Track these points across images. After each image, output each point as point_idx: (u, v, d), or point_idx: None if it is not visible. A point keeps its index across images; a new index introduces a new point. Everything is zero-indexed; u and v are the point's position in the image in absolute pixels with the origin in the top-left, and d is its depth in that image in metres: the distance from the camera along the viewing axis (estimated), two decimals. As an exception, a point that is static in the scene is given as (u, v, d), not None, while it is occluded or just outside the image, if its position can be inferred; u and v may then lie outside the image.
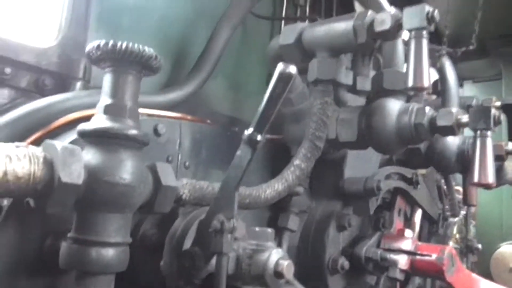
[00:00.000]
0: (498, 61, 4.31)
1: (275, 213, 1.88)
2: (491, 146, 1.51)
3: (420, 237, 2.51)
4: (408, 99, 1.84)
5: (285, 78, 1.03)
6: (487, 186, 1.47)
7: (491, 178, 1.47)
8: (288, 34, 1.73)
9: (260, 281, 1.18)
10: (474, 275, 1.98)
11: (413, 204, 2.17)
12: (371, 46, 1.56)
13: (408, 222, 2.50)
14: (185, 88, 1.79)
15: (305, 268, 1.91)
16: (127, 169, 1.10)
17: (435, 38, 2.35)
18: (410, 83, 1.41)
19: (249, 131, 1.09)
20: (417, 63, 1.39)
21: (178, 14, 2.07)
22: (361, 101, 2.00)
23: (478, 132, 1.52)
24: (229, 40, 1.98)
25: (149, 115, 1.53)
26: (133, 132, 1.13)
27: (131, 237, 1.35)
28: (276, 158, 1.84)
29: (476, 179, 1.48)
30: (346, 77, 2.04)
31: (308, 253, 1.91)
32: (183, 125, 1.59)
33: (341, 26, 1.60)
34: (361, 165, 2.07)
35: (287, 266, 1.17)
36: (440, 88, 2.38)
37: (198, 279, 1.18)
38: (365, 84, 2.08)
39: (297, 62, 1.78)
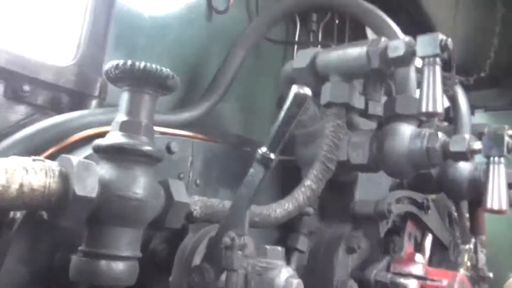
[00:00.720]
0: (510, 91, 4.31)
1: (283, 233, 1.87)
2: (505, 173, 1.51)
3: (430, 263, 2.48)
4: (420, 125, 1.86)
5: (299, 99, 1.05)
6: (500, 213, 1.46)
7: (504, 204, 1.46)
8: (302, 57, 1.76)
9: (269, 300, 1.17)
10: (485, 304, 1.95)
11: (424, 229, 2.15)
12: (384, 72, 1.58)
13: (418, 247, 2.47)
14: (198, 109, 1.82)
15: (313, 290, 1.90)
16: (140, 185, 1.12)
17: (446, 66, 2.37)
18: (424, 108, 1.42)
19: (262, 150, 1.11)
20: (430, 89, 1.41)
21: (193, 37, 2.11)
22: (372, 125, 2.01)
23: (492, 159, 1.51)
24: (243, 64, 2.01)
25: (162, 133, 1.55)
26: (148, 148, 1.15)
27: (141, 252, 1.36)
28: (287, 179, 1.85)
29: (489, 205, 1.47)
30: (358, 102, 2.07)
31: (317, 275, 1.90)
32: (195, 144, 1.61)
33: (355, 51, 1.63)
34: (371, 189, 2.06)
35: (296, 284, 1.17)
36: (452, 115, 2.39)
37: (207, 296, 1.18)
38: (376, 108, 2.10)
39: (310, 85, 1.79)
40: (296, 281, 1.18)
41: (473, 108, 4.46)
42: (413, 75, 1.76)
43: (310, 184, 1.61)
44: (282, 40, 2.51)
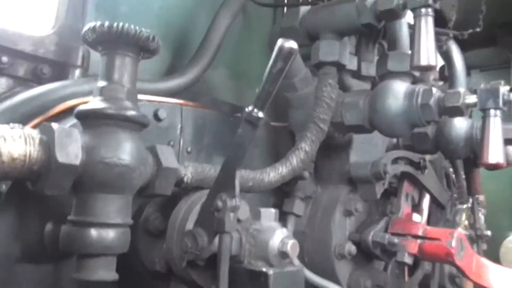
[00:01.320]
0: (506, 50, 4.25)
1: (280, 198, 1.86)
2: (500, 126, 1.47)
3: (428, 223, 2.48)
4: (414, 83, 1.81)
5: (285, 53, 1.01)
6: (497, 167, 1.43)
7: (500, 157, 1.43)
8: (291, 16, 1.71)
9: (264, 261, 1.16)
10: (484, 260, 1.94)
11: (421, 189, 2.13)
12: (375, 27, 1.53)
13: (416, 208, 2.47)
14: (186, 76, 1.77)
15: (312, 254, 1.89)
16: (125, 150, 1.08)
17: (441, 22, 2.31)
18: (416, 62, 1.38)
19: (249, 108, 1.07)
20: (423, 42, 1.36)
21: (178, 2, 2.05)
22: (366, 86, 1.97)
23: (487, 112, 1.48)
24: (230, 28, 1.95)
25: (149, 101, 1.51)
26: (131, 113, 1.11)
27: (133, 221, 1.34)
28: (282, 146, 1.82)
29: (485, 159, 1.44)
30: (350, 62, 2.02)
31: (314, 239, 1.89)
32: (184, 111, 1.57)
33: (345, 7, 1.57)
34: (367, 150, 2.04)
35: (291, 245, 1.15)
36: (447, 73, 2.34)
37: (201, 260, 1.16)
38: (370, 69, 2.06)
39: (301, 45, 1.76)
40: (291, 242, 1.16)
41: (469, 68, 4.41)
42: (405, 30, 1.71)
43: (303, 146, 1.58)
44: (271, 3, 2.44)
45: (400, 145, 2.27)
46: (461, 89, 1.48)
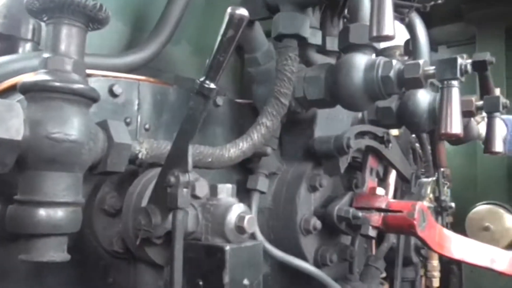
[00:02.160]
0: (472, 25, 4.30)
1: (244, 175, 1.84)
2: (458, 97, 1.48)
3: (395, 197, 2.52)
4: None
5: (235, 20, 0.97)
6: (455, 136, 1.44)
7: (458, 128, 1.44)
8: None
9: (221, 237, 1.14)
10: (446, 230, 1.98)
11: (385, 163, 2.15)
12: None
13: (383, 183, 2.49)
14: (144, 51, 1.71)
15: (278, 230, 1.89)
16: (73, 125, 1.04)
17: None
18: (374, 32, 1.36)
19: (200, 79, 1.04)
20: (379, 12, 1.34)
21: (135, -26, 1.97)
22: (331, 61, 1.95)
23: (445, 82, 1.48)
24: (190, 1, 1.89)
25: (104, 76, 1.45)
26: (79, 86, 1.06)
27: (89, 201, 1.30)
28: (247, 123, 1.79)
29: (443, 129, 1.45)
30: (315, 37, 2.00)
31: (280, 215, 1.89)
32: (142, 86, 1.52)
33: (304, -23, 1.54)
34: (332, 125, 2.03)
35: (248, 220, 1.14)
36: (411, 46, 2.35)
37: (156, 237, 1.14)
38: (334, 44, 2.04)
39: (262, 17, 1.72)
40: (248, 217, 1.15)
41: (436, 44, 4.46)
42: (366, 2, 1.68)
43: (264, 121, 1.56)
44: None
45: (366, 120, 2.28)
46: (420, 61, 1.47)
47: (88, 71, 1.43)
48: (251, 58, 1.79)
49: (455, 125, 1.41)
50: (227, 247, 1.11)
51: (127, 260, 1.35)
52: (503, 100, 2.01)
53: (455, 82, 1.44)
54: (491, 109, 2.01)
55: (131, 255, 1.31)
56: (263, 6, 1.63)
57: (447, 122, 1.42)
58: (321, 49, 2.07)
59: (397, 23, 2.20)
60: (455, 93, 1.44)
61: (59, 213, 1.04)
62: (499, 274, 2.10)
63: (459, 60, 1.43)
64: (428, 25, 4.04)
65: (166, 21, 1.80)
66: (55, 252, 1.05)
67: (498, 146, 2.01)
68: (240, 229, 1.13)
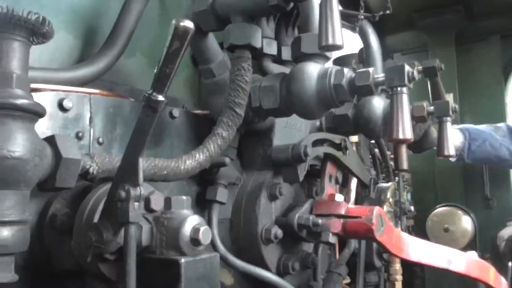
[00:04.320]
0: (424, 33, 4.46)
1: (204, 187, 1.83)
2: (407, 103, 1.52)
3: (356, 202, 2.56)
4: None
5: (180, 33, 0.97)
6: (405, 142, 1.48)
7: (408, 133, 1.48)
8: (201, 0, 1.67)
9: (176, 250, 1.13)
10: (404, 234, 2.02)
11: (343, 169, 2.18)
12: (284, 8, 1.52)
13: (345, 189, 2.53)
14: (96, 64, 1.68)
15: (240, 240, 1.89)
16: (17, 142, 1.01)
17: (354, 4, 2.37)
18: (323, 42, 1.39)
19: (148, 92, 1.03)
20: (328, 21, 1.37)
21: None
22: (287, 71, 1.98)
23: (394, 89, 1.52)
24: (142, 13, 1.88)
25: (53, 90, 1.42)
26: (22, 101, 1.03)
27: (40, 218, 1.26)
28: (205, 134, 1.79)
29: (394, 135, 1.49)
30: (270, 47, 2.02)
31: (241, 225, 1.88)
32: (93, 100, 1.49)
33: (252, -12, 1.55)
34: (290, 134, 2.06)
35: (203, 232, 1.13)
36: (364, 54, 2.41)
37: (108, 253, 1.11)
38: (290, 54, 2.07)
39: (213, 29, 1.73)
40: (203, 228, 1.14)
41: (391, 51, 4.60)
42: (317, 12, 1.72)
43: (220, 132, 1.56)
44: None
45: (324, 128, 2.32)
46: (370, 69, 1.51)
47: (38, 86, 1.41)
48: (205, 69, 1.79)
49: (405, 131, 1.46)
50: (182, 260, 1.09)
51: (80, 278, 1.32)
52: (452, 104, 2.09)
53: (403, 89, 1.48)
54: (442, 113, 2.08)
55: (84, 273, 1.27)
56: (215, 18, 1.63)
57: (397, 128, 1.46)
58: (277, 59, 2.10)
59: (350, 32, 2.26)
60: (404, 99, 1.48)
61: (5, 232, 1.00)
62: (456, 274, 2.15)
63: (406, 68, 1.47)
64: (383, 33, 4.16)
65: (119, 33, 1.78)
66: (1, 272, 1.01)
67: (450, 149, 2.08)
68: (195, 241, 1.12)
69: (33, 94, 1.17)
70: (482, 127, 3.23)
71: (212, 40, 1.78)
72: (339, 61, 2.70)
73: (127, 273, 1.04)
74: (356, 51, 2.66)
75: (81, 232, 1.18)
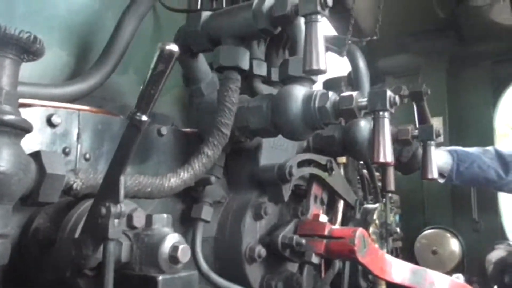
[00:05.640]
0: (417, 56, 4.53)
1: (189, 204, 1.84)
2: (388, 127, 1.56)
3: (343, 223, 2.57)
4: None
5: (165, 55, 1.01)
6: (386, 165, 1.51)
7: (389, 157, 1.52)
8: (193, 21, 1.71)
9: (155, 267, 1.14)
10: (387, 255, 2.04)
11: (329, 190, 2.21)
12: (272, 32, 1.57)
13: (331, 210, 2.55)
14: (87, 81, 1.71)
15: (223, 259, 1.90)
16: (2, 156, 1.03)
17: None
18: (307, 66, 1.43)
19: (133, 111, 1.06)
20: (312, 47, 1.42)
21: (83, 3, 1.98)
22: (276, 92, 2.02)
23: (376, 113, 1.56)
24: (136, 31, 1.92)
25: (43, 106, 1.45)
26: (9, 117, 1.06)
27: (23, 232, 1.28)
28: (192, 153, 1.82)
29: (376, 158, 1.52)
30: (259, 68, 2.07)
31: (225, 244, 1.90)
32: (82, 116, 1.52)
33: (242, 12, 1.60)
34: (276, 154, 2.08)
35: (182, 249, 1.14)
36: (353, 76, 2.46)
37: (87, 268, 1.13)
38: (279, 75, 2.11)
39: (204, 49, 1.77)
40: (182, 246, 1.16)
41: (384, 74, 4.67)
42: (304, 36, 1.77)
43: (205, 150, 1.59)
44: (184, 8, 2.43)
45: (311, 148, 2.35)
46: (354, 93, 1.55)
47: (27, 101, 1.44)
48: (195, 89, 1.83)
49: (386, 154, 1.49)
50: (160, 278, 1.11)
51: (61, 291, 1.33)
52: (436, 128, 2.13)
53: (385, 113, 1.52)
54: (426, 137, 2.13)
55: (65, 287, 1.28)
56: (206, 39, 1.68)
57: (378, 151, 1.50)
58: (267, 80, 2.14)
59: (337, 56, 2.30)
60: (386, 123, 1.52)
61: (-15, 246, 1.02)
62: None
63: (388, 93, 1.52)
64: (376, 56, 4.23)
65: (111, 51, 1.82)
66: (-19, 286, 1.02)
67: (434, 172, 2.11)
68: (173, 259, 1.14)
69: (23, 109, 1.21)
70: (471, 149, 3.27)
71: (202, 61, 1.82)
72: (329, 83, 2.74)
73: (105, 289, 1.05)
74: (346, 73, 2.72)
75: (63, 247, 1.19)
